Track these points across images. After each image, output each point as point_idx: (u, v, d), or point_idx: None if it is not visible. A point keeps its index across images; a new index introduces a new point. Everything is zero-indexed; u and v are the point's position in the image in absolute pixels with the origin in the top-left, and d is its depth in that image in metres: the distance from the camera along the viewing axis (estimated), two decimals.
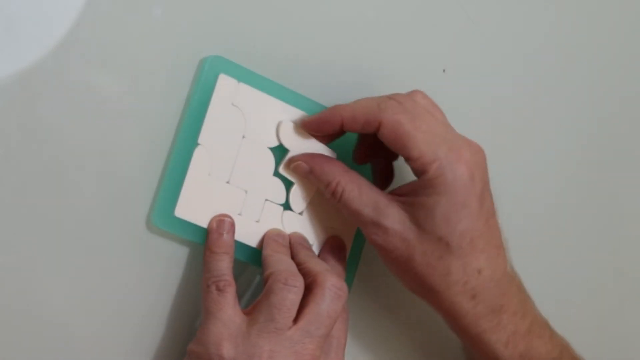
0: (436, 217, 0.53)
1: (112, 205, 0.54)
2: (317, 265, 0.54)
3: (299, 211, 0.58)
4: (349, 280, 0.60)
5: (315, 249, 0.59)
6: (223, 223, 0.55)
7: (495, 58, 0.68)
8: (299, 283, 0.52)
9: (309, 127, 0.56)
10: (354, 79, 0.62)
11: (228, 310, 0.51)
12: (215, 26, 0.56)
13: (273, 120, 0.57)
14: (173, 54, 0.55)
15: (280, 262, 0.53)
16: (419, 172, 0.54)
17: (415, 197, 0.54)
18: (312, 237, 0.59)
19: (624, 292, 0.76)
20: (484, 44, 0.67)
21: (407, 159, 0.54)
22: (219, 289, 0.52)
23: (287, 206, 0.58)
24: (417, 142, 0.53)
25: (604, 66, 0.74)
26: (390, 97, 0.55)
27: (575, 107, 0.72)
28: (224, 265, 0.53)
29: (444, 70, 0.65)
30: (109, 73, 0.53)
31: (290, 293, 0.51)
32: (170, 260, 0.56)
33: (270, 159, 0.57)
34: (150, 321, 0.56)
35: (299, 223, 0.58)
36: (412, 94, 0.56)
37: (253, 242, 0.56)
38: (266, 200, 0.57)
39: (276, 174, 0.57)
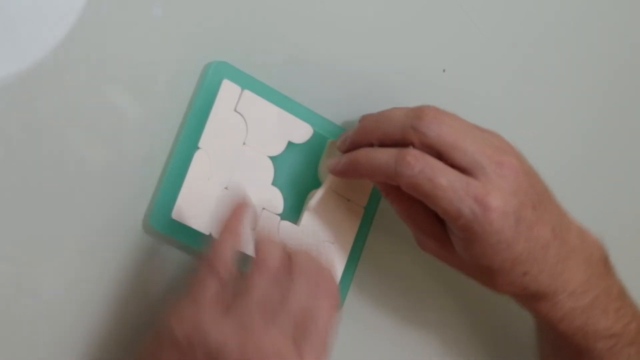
0: (471, 254, 0.53)
1: (110, 204, 0.54)
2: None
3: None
4: (344, 290, 0.61)
5: None
6: (246, 211, 0.51)
7: (495, 58, 0.68)
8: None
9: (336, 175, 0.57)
10: (355, 80, 0.62)
11: (216, 304, 0.48)
12: (223, 32, 0.56)
13: (274, 130, 0.57)
14: (177, 57, 0.55)
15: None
16: (448, 222, 0.54)
17: (452, 233, 0.54)
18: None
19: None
20: (484, 44, 0.67)
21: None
22: (219, 280, 0.48)
23: (284, 216, 0.58)
24: (437, 201, 0.52)
25: (605, 65, 0.74)
26: (406, 153, 0.52)
27: (575, 107, 0.72)
28: (232, 256, 0.50)
29: (444, 70, 0.65)
30: (110, 74, 0.53)
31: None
32: (163, 262, 0.56)
33: (270, 168, 0.57)
34: (138, 318, 0.55)
35: (295, 234, 0.58)
36: (427, 122, 0.53)
37: (248, 250, 0.55)
38: (263, 209, 0.57)
39: (275, 183, 0.57)
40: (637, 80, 0.76)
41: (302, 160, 0.58)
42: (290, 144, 0.58)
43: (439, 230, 0.56)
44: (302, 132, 0.58)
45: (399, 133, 0.53)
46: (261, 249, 0.50)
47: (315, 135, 0.58)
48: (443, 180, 0.51)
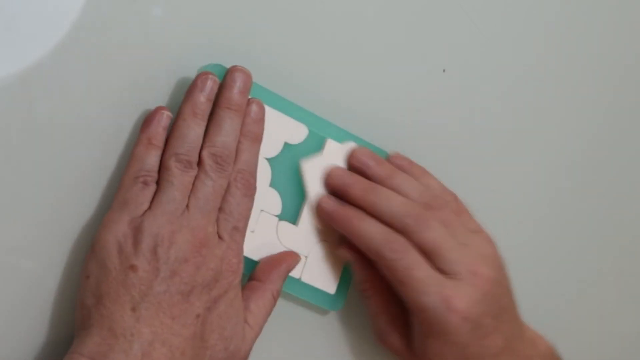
0: (427, 349, 0.57)
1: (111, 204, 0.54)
2: None
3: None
4: (344, 289, 0.61)
5: (310, 260, 0.59)
6: (162, 116, 0.53)
7: (495, 58, 0.68)
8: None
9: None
10: (353, 80, 0.62)
11: (144, 205, 0.51)
12: (218, 34, 0.56)
13: (270, 131, 0.56)
14: (174, 58, 0.55)
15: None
16: (412, 313, 0.57)
17: (412, 326, 0.58)
18: (306, 249, 0.58)
19: (624, 292, 0.76)
20: (484, 44, 0.67)
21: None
22: (145, 184, 0.51)
23: (282, 217, 0.58)
24: (408, 290, 0.56)
25: (606, 66, 0.73)
26: (395, 239, 0.56)
27: (576, 107, 0.72)
28: (155, 161, 0.52)
29: (444, 70, 0.65)
30: (109, 74, 0.53)
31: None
32: None
33: (267, 169, 0.57)
34: None
35: (294, 235, 0.58)
36: (421, 224, 0.57)
37: (247, 253, 0.56)
38: (261, 210, 0.57)
39: (272, 184, 0.57)
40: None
41: (298, 161, 0.58)
42: (286, 145, 0.58)
43: (402, 322, 0.59)
44: (297, 132, 0.58)
45: (393, 223, 0.57)
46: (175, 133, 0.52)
47: (310, 135, 0.58)
48: (419, 273, 0.56)
